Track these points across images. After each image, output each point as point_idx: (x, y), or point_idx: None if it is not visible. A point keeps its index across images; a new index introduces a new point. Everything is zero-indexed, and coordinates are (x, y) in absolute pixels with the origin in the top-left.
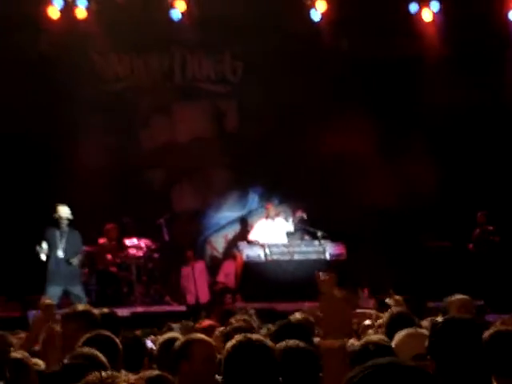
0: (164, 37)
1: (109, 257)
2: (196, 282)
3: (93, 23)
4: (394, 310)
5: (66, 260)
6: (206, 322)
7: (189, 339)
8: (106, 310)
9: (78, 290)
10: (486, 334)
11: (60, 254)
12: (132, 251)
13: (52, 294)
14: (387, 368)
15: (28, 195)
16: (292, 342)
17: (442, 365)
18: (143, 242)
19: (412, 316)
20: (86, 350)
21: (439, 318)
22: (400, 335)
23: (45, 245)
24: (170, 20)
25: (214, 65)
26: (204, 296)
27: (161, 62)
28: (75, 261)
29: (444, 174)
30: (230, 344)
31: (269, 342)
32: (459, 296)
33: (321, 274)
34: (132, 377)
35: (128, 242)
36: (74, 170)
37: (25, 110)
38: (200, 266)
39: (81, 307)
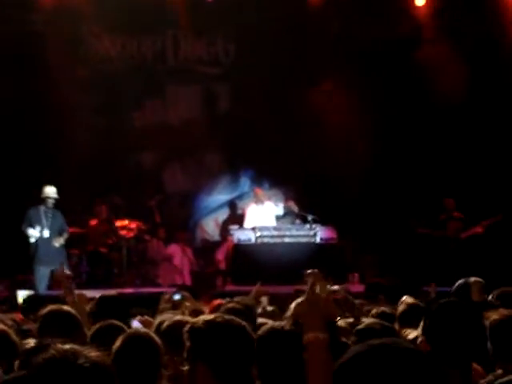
0: (157, 18)
1: (99, 238)
2: (183, 264)
3: (86, 3)
4: (409, 300)
5: (52, 241)
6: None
7: None
8: (113, 292)
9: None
10: (490, 320)
11: (46, 234)
12: (123, 232)
13: (41, 275)
14: (381, 349)
15: (16, 174)
16: (277, 324)
17: (436, 347)
18: (134, 224)
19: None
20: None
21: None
22: None
23: (37, 227)
24: (163, 2)
25: (207, 46)
26: (188, 279)
27: (153, 44)
28: (61, 240)
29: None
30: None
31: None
32: (477, 278)
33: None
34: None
35: (119, 223)
36: (65, 150)
37: (14, 88)
38: (189, 251)
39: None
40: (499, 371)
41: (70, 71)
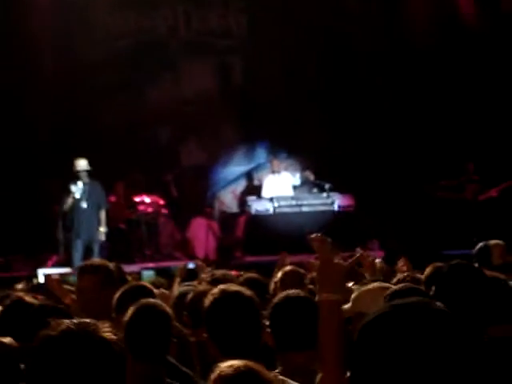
0: None
1: (118, 214)
2: (208, 237)
3: None
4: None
5: (89, 213)
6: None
7: None
8: (112, 264)
9: (96, 248)
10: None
11: (84, 205)
12: (141, 208)
13: (77, 248)
14: (407, 309)
15: (34, 153)
16: (292, 292)
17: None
18: (152, 199)
19: None
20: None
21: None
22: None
23: (70, 199)
24: None
25: (219, 19)
26: (212, 254)
27: (165, 18)
28: (103, 233)
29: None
30: (207, 299)
31: (247, 292)
32: (498, 241)
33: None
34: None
35: (137, 198)
36: (82, 128)
37: (32, 69)
38: (214, 225)
39: (98, 261)
40: None
41: (85, 49)
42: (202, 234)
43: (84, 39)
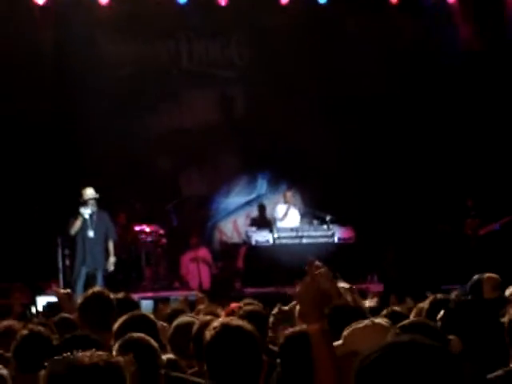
0: (170, 22)
1: (119, 244)
2: (199, 268)
3: (99, 8)
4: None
5: (96, 242)
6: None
7: None
8: (121, 294)
9: (100, 276)
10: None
11: (91, 234)
12: (141, 237)
13: (81, 275)
14: (407, 346)
15: (38, 182)
16: (297, 329)
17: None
18: (152, 228)
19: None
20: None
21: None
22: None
23: (79, 222)
24: (177, 5)
25: (221, 50)
26: (206, 283)
27: (167, 48)
28: (111, 264)
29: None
30: (208, 333)
31: (248, 327)
32: (492, 274)
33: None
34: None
35: (137, 227)
36: (83, 157)
37: (34, 96)
38: (203, 253)
39: (95, 292)
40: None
41: (87, 77)
42: (192, 267)
43: (84, 66)
